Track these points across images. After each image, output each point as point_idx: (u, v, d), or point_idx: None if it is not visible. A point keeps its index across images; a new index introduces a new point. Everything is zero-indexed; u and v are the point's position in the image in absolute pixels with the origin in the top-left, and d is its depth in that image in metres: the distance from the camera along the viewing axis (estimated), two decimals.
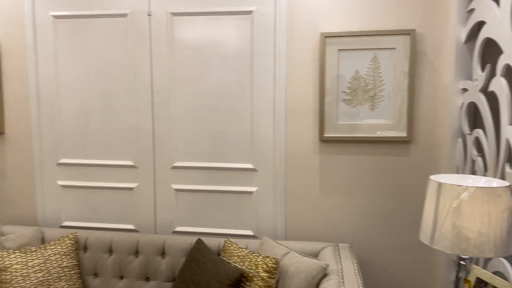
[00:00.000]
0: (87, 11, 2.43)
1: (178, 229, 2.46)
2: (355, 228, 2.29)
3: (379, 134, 2.20)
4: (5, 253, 2.13)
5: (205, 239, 2.25)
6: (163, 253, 2.25)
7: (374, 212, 2.26)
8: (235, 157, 2.37)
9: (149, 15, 2.38)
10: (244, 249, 2.04)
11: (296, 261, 1.90)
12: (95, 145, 2.50)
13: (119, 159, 2.50)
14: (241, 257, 1.99)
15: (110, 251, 2.30)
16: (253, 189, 2.37)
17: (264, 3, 2.27)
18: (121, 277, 2.26)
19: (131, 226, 2.52)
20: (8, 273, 2.07)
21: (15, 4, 2.51)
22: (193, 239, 2.24)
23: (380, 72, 2.17)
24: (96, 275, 2.29)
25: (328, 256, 2.01)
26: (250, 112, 2.33)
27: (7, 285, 2.05)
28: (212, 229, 2.43)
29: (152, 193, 2.48)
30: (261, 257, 1.94)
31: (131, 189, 2.50)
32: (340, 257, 2.00)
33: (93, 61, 2.46)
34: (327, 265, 1.83)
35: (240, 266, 1.95)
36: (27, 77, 2.53)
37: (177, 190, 2.45)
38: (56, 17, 2.47)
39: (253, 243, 2.21)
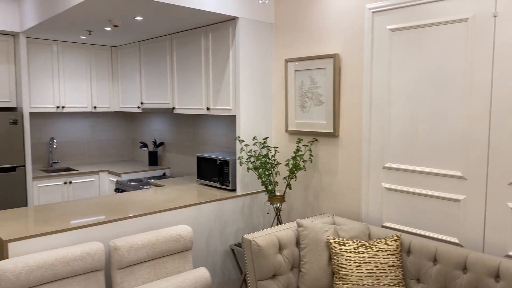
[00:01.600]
0: (423, 21, 2.48)
1: None
2: None
3: None
4: (341, 241, 2.46)
5: None
6: (496, 277, 2.04)
7: None
8: None
9: (495, 16, 2.20)
10: None
11: None
12: (422, 152, 2.53)
13: (446, 168, 2.43)
14: None
15: (434, 260, 2.28)
16: None
17: None
18: None
19: (454, 239, 2.41)
20: (344, 259, 2.38)
21: (355, 22, 2.84)
22: None
23: None
24: (418, 280, 2.32)
25: None
26: None
27: (343, 269, 2.35)
28: None
29: (482, 209, 2.29)
30: None
31: (457, 201, 2.39)
32: None
33: (425, 69, 2.49)
34: None
35: None
36: (362, 87, 2.83)
37: None
38: (392, 30, 2.64)
39: None
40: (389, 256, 2.34)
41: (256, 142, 3.27)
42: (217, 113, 3.51)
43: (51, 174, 4.31)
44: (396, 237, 2.41)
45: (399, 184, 2.66)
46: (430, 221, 2.51)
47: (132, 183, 4.24)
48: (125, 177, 4.49)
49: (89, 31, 3.91)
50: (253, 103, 3.35)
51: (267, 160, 3.12)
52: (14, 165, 4.01)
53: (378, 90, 2.73)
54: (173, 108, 4.04)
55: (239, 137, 3.24)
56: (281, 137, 3.44)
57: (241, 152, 3.23)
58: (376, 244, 2.41)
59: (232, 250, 3.24)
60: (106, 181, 4.67)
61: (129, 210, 2.82)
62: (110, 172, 4.64)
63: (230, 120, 3.99)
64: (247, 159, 3.16)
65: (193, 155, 4.49)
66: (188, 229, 2.70)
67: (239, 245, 3.19)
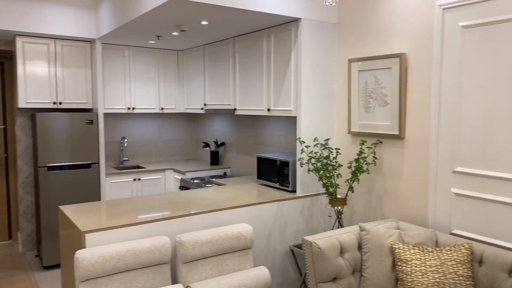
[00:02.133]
0: (501, 16, 2.32)
1: None
2: None
3: None
4: (406, 246, 2.37)
5: None
6: None
7: None
8: None
9: None
10: None
11: None
12: (498, 156, 2.37)
13: None
14: None
15: (510, 272, 2.12)
16: None
17: None
18: None
19: None
20: (408, 266, 2.29)
21: (424, 20, 2.73)
22: None
23: None
24: None
25: None
26: None
27: (407, 276, 2.27)
28: None
29: None
30: None
31: None
32: None
33: (503, 67, 2.32)
34: None
35: None
36: (430, 87, 2.70)
37: None
38: (465, 27, 2.49)
39: None
40: (459, 265, 2.21)
41: (317, 144, 3.25)
42: (277, 114, 3.54)
43: (122, 171, 4.60)
44: (466, 246, 2.27)
45: (471, 190, 2.50)
46: (506, 230, 2.34)
47: (195, 181, 4.39)
48: (189, 175, 4.66)
49: (158, 36, 4.12)
50: (315, 104, 3.34)
51: (328, 162, 3.08)
52: (90, 162, 4.34)
53: (448, 90, 2.60)
54: (235, 109, 4.13)
55: (299, 138, 3.24)
56: (343, 139, 3.39)
57: (301, 153, 3.23)
58: (444, 252, 2.29)
59: (292, 251, 3.25)
60: (171, 179, 4.89)
61: (193, 207, 2.93)
62: (175, 170, 4.84)
63: (291, 121, 4.00)
64: (307, 160, 3.15)
65: (253, 155, 4.56)
66: (249, 228, 2.75)
67: (299, 246, 3.19)
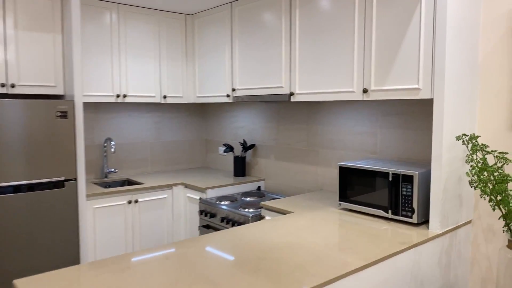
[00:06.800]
0: None
1: None
2: None
3: None
4: None
5: None
6: None
7: None
8: None
9: None
10: None
11: None
12: None
13: None
14: None
15: None
16: None
17: None
18: None
19: None
20: None
21: None
22: None
23: None
24: None
25: None
26: None
27: None
28: None
29: None
30: None
31: None
32: None
33: None
34: None
35: None
36: None
37: None
38: None
39: None
40: None
41: (474, 145, 1.90)
42: (383, 97, 2.17)
43: (109, 189, 3.05)
44: None
45: None
46: None
47: (223, 203, 2.95)
48: (211, 194, 3.20)
49: None
50: (458, 80, 2.00)
51: (509, 177, 1.76)
52: (62, 178, 2.76)
53: None
54: (291, 93, 2.72)
55: (464, 135, 1.86)
56: (498, 138, 2.07)
57: (468, 160, 1.85)
58: None
59: None
60: (182, 199, 3.40)
61: (281, 273, 1.51)
62: (187, 186, 3.36)
63: (386, 111, 2.65)
64: (473, 173, 1.79)
65: (304, 162, 3.16)
66: None
67: None
